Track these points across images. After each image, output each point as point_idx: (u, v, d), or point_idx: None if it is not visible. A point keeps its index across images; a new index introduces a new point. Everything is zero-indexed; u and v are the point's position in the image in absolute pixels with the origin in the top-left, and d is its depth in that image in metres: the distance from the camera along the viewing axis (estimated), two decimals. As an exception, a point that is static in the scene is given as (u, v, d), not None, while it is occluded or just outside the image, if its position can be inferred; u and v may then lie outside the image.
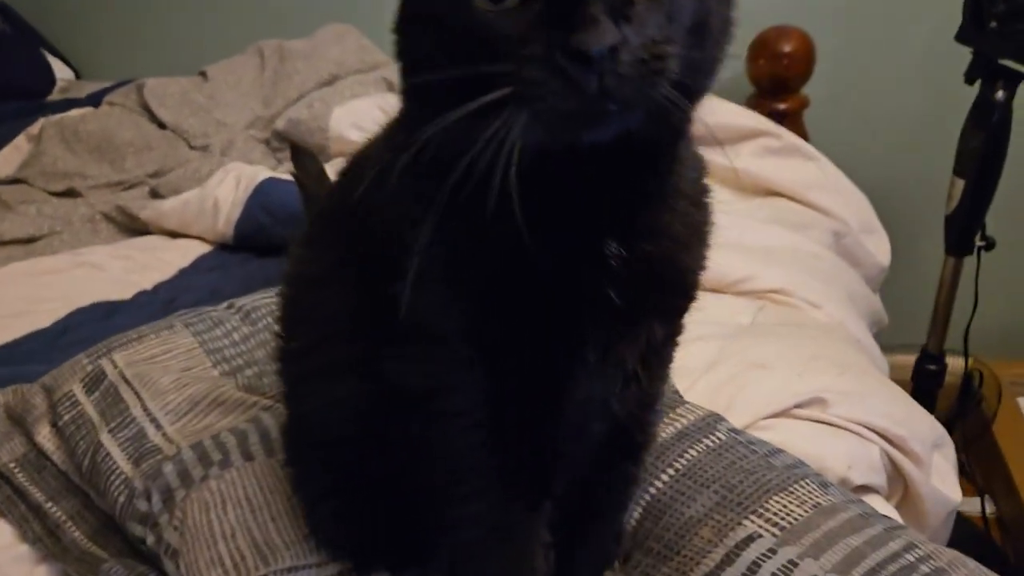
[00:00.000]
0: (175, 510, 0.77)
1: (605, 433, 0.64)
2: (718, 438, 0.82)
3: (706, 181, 0.60)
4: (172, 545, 0.76)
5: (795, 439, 0.87)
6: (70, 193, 1.68)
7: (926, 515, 0.93)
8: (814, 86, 1.81)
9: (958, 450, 1.05)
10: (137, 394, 0.89)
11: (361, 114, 1.60)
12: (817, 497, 0.76)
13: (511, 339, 0.55)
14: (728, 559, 0.71)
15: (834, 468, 0.85)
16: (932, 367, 1.64)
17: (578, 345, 0.56)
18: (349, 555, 0.73)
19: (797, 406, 0.91)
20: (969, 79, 1.45)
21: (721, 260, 1.12)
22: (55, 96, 2.15)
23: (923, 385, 1.65)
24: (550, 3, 0.43)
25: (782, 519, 0.73)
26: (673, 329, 0.64)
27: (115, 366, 0.92)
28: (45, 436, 0.90)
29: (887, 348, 1.34)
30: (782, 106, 1.79)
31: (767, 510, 0.74)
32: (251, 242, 1.40)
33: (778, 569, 0.69)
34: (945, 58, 1.52)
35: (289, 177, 1.21)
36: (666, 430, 0.84)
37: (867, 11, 1.91)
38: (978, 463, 1.82)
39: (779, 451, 0.82)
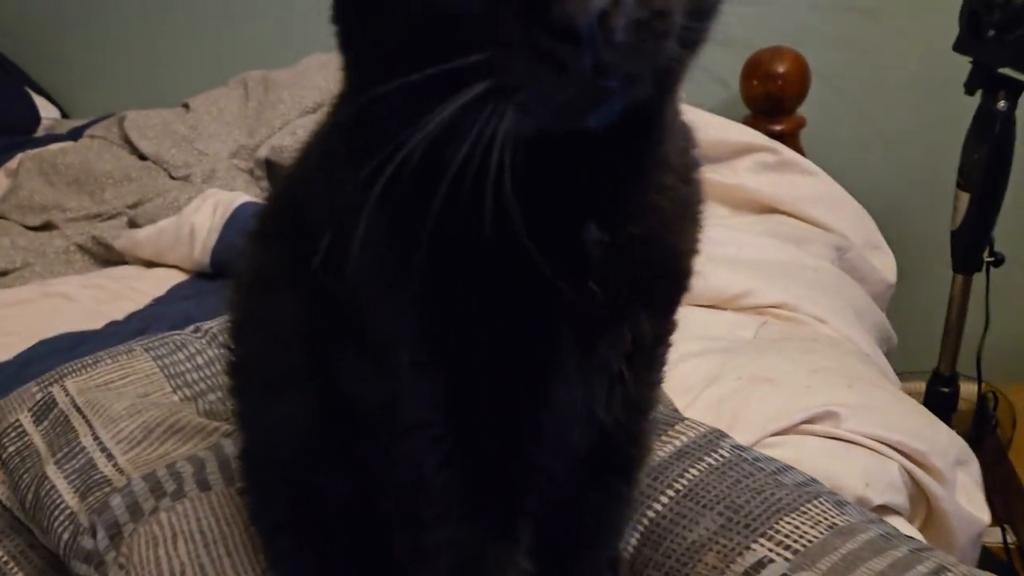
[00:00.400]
0: (122, 547, 0.70)
1: (589, 446, 0.56)
2: (721, 455, 0.75)
3: (695, 154, 0.53)
4: (117, 585, 0.68)
5: (805, 456, 0.80)
6: (47, 227, 1.63)
7: (953, 536, 0.85)
8: (810, 107, 1.78)
9: (976, 478, 0.98)
10: (88, 422, 0.82)
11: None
12: (833, 517, 0.68)
13: (474, 341, 0.48)
14: (736, 587, 0.64)
15: (850, 487, 0.78)
16: (945, 390, 1.57)
17: (554, 345, 0.49)
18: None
19: (806, 421, 0.84)
20: (969, 90, 1.41)
21: (718, 275, 1.07)
22: (39, 134, 2.12)
23: (937, 410, 1.56)
24: None
25: (795, 541, 0.66)
26: (664, 325, 0.56)
27: (66, 393, 0.85)
28: (-11, 470, 0.83)
29: (897, 375, 1.28)
30: (778, 127, 1.76)
31: (778, 532, 0.67)
32: (229, 268, 1.33)
33: (793, 597, 0.62)
34: (942, 71, 1.48)
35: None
36: (664, 448, 0.77)
37: (860, 29, 1.87)
38: (997, 491, 1.74)
39: (789, 468, 0.75)
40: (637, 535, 0.71)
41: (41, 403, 0.85)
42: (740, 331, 1.05)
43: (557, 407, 0.51)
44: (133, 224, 1.55)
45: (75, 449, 0.80)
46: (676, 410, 0.85)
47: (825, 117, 1.82)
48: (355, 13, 0.42)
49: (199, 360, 0.92)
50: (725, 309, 1.10)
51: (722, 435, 0.78)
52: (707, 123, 1.51)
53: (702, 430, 0.78)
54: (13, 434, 0.83)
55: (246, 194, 1.46)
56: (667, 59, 0.37)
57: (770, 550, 0.65)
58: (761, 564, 0.65)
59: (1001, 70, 1.35)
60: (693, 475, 0.73)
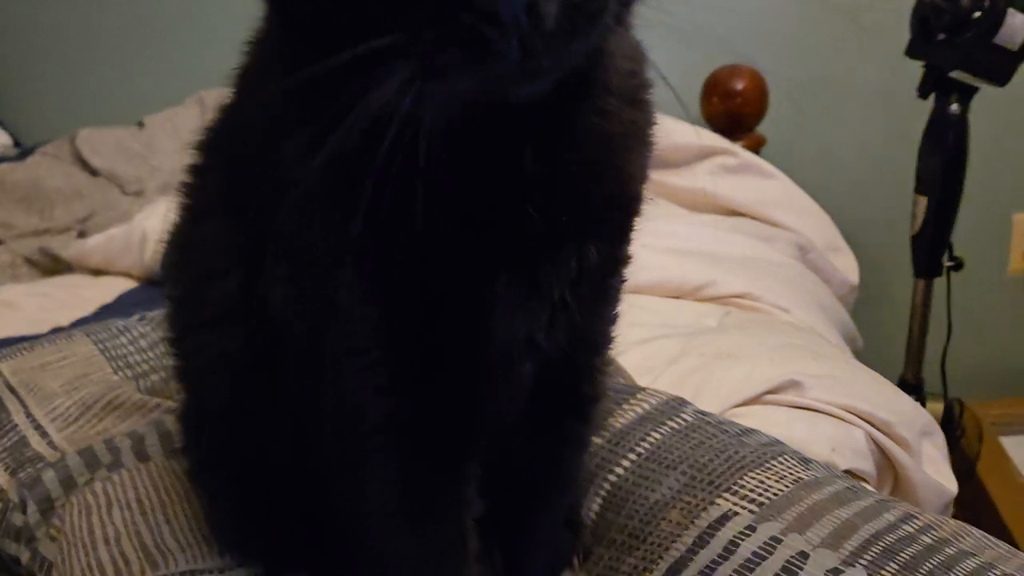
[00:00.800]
0: (53, 519, 0.65)
1: (536, 376, 0.53)
2: (684, 419, 0.73)
3: (646, 75, 0.52)
4: (47, 558, 0.64)
5: (770, 426, 0.77)
6: (-8, 244, 1.58)
7: (921, 506, 0.82)
8: (769, 125, 1.79)
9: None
10: (21, 401, 0.78)
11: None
12: (798, 472, 0.66)
13: (409, 264, 0.46)
14: (701, 541, 0.61)
15: (815, 453, 0.75)
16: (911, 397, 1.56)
17: (492, 270, 0.47)
18: (256, 558, 0.62)
19: (770, 391, 0.82)
20: (922, 94, 1.42)
21: (681, 266, 1.06)
22: (-11, 160, 2.08)
23: (902, 418, 1.57)
24: None
25: (760, 495, 0.63)
26: (614, 253, 0.54)
27: (0, 376, 0.81)
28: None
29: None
30: (739, 145, 1.77)
31: (743, 487, 0.64)
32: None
33: (759, 547, 0.59)
34: (899, 81, 1.50)
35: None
36: (626, 415, 0.74)
37: (815, 43, 1.91)
38: (966, 505, 1.72)
39: (753, 431, 0.73)
40: (600, 500, 0.68)
41: (-28, 386, 0.81)
42: (704, 319, 1.04)
43: (497, 334, 0.49)
44: (83, 236, 1.51)
45: (6, 428, 0.75)
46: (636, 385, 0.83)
47: (784, 133, 1.84)
48: None
49: (142, 343, 0.88)
50: (686, 299, 1.09)
51: (684, 402, 0.76)
52: (667, 127, 1.51)
53: (664, 397, 0.76)
54: (-58, 418, 0.79)
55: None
56: (602, 36, 0.37)
57: (735, 504, 0.63)
58: (726, 517, 0.62)
59: (952, 73, 1.37)
60: (655, 438, 0.71)
